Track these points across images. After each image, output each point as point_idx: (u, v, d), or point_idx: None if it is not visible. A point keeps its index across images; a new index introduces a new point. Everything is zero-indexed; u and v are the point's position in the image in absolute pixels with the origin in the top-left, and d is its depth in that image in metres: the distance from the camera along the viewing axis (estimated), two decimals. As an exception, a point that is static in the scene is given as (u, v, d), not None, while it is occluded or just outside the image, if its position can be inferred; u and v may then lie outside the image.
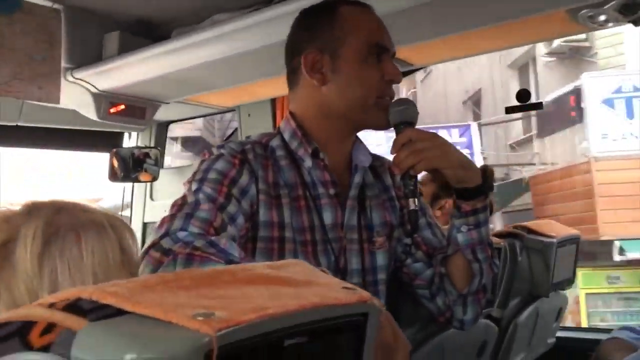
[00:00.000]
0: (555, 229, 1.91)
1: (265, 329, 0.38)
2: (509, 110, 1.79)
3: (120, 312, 0.37)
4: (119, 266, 0.76)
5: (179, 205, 1.02)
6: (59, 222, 0.74)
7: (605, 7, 1.36)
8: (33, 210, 0.76)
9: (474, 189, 1.11)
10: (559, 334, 2.14)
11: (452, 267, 1.17)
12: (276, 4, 1.60)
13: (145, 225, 2.97)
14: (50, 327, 0.36)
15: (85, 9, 2.03)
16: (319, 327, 0.45)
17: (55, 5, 1.97)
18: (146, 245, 0.94)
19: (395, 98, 1.15)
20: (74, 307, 0.37)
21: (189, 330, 0.35)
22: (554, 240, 1.80)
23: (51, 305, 0.38)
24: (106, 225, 0.77)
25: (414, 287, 1.21)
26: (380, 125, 1.14)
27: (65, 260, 0.72)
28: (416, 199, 1.06)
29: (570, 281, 1.98)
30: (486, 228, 1.15)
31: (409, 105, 1.11)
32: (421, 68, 2.06)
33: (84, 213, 0.78)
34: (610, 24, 1.46)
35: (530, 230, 1.84)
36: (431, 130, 1.17)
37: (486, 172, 1.86)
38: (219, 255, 0.85)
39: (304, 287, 0.49)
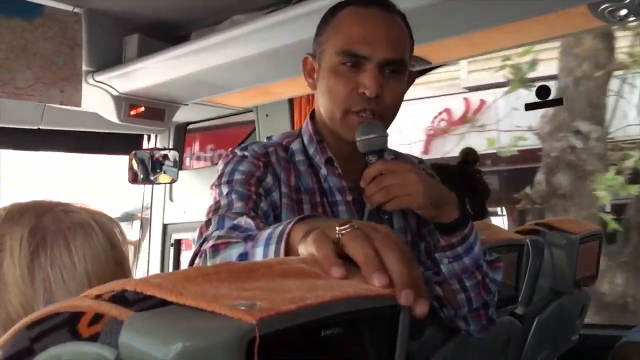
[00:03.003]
0: (577, 225, 1.90)
1: (304, 318, 0.39)
2: (529, 106, 1.78)
3: (163, 303, 0.37)
4: (111, 264, 0.75)
5: (214, 210, 1.01)
6: (44, 227, 0.71)
7: (627, 1, 1.35)
8: (15, 215, 0.72)
9: (451, 224, 1.03)
10: (583, 331, 2.12)
11: (444, 292, 1.14)
12: (294, 5, 1.61)
13: (165, 226, 3.00)
14: (97, 318, 0.37)
15: (105, 13, 2.06)
16: (353, 318, 0.45)
17: (76, 10, 2.00)
18: (191, 256, 0.92)
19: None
20: (120, 298, 0.38)
21: (232, 319, 0.35)
22: (577, 236, 1.79)
23: (97, 297, 0.39)
24: (93, 225, 0.75)
25: None
26: (351, 142, 1.05)
27: (57, 269, 0.69)
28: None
29: (593, 278, 1.96)
30: (470, 256, 1.07)
31: (377, 132, 1.02)
32: (440, 66, 2.06)
33: (67, 214, 0.74)
34: (632, 19, 1.45)
35: (552, 227, 1.83)
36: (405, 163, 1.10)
37: (476, 193, 1.83)
38: (239, 236, 0.84)
39: (338, 280, 0.50)
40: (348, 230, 0.54)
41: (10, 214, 0.72)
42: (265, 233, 0.73)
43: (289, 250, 0.68)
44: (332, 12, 1.09)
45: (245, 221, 0.89)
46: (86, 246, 0.72)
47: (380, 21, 1.04)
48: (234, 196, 1.01)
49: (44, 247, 0.70)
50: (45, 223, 0.72)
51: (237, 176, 1.05)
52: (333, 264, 0.50)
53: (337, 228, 0.54)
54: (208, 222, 0.98)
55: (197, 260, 0.89)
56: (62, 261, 0.70)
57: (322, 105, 1.09)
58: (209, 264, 0.85)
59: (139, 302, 0.37)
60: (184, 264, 3.14)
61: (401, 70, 1.06)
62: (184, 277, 0.41)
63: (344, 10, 1.07)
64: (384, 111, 1.05)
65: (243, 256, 0.77)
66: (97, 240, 0.74)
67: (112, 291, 0.39)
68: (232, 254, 0.80)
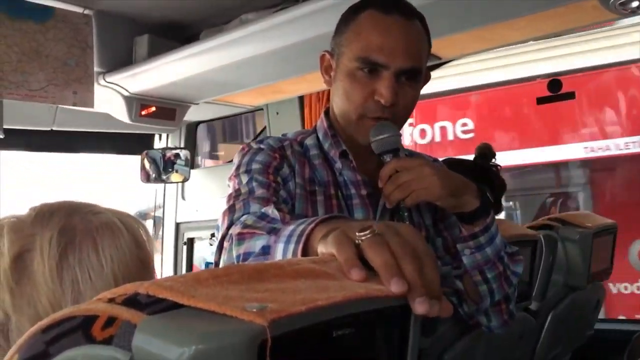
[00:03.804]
0: (591, 219, 1.88)
1: (315, 319, 0.39)
2: (541, 100, 1.77)
3: (175, 306, 0.38)
4: (137, 264, 0.76)
5: (235, 197, 1.03)
6: (73, 228, 0.73)
7: (638, -8, 1.34)
8: (45, 216, 0.74)
9: (471, 212, 1.05)
10: (597, 325, 2.11)
11: (465, 285, 1.15)
12: (302, 3, 1.61)
13: (177, 225, 3.02)
14: (110, 321, 0.37)
15: (115, 14, 2.08)
16: (365, 318, 0.45)
17: (86, 11, 2.02)
18: (218, 238, 0.96)
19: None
20: (132, 301, 0.38)
21: (243, 321, 0.36)
22: (590, 230, 1.78)
23: (110, 300, 0.39)
24: (119, 226, 0.76)
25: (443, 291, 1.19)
26: (365, 145, 1.07)
27: (85, 269, 0.71)
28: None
29: (608, 272, 1.95)
30: (492, 246, 1.08)
31: (389, 132, 1.04)
32: (450, 61, 2.05)
33: (95, 215, 0.76)
34: (643, 10, 1.43)
35: (565, 222, 1.82)
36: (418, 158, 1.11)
37: (493, 187, 1.82)
38: (264, 227, 0.86)
39: (349, 280, 0.50)
40: (369, 235, 0.54)
41: (40, 214, 0.74)
42: (288, 229, 0.75)
43: (308, 251, 0.69)
44: (353, 12, 1.09)
45: (272, 211, 0.91)
46: (113, 247, 0.74)
47: (400, 30, 1.04)
48: (254, 183, 1.03)
49: (73, 247, 0.71)
50: (74, 224, 0.73)
51: (255, 166, 1.07)
52: (354, 265, 0.50)
53: (358, 234, 0.54)
54: (232, 207, 1.00)
55: (225, 244, 0.91)
56: (90, 261, 0.71)
57: (337, 105, 1.11)
58: (234, 251, 0.88)
59: (151, 305, 0.38)
60: (197, 262, 3.16)
61: (417, 78, 1.07)
62: (196, 279, 0.41)
63: (365, 13, 1.06)
64: (397, 116, 1.07)
65: (265, 249, 0.79)
66: (124, 241, 0.75)
67: (124, 294, 0.39)
68: (256, 245, 0.83)
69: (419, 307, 0.48)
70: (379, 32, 1.03)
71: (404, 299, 0.50)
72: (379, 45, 1.02)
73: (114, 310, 0.38)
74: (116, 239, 0.75)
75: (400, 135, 1.06)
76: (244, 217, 0.94)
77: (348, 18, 1.10)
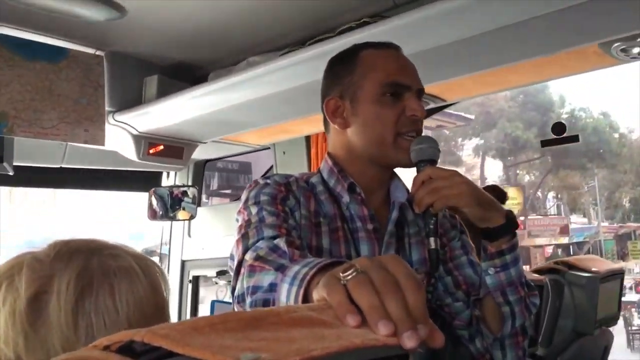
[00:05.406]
0: (597, 264, 1.86)
1: (309, 370, 0.39)
2: (545, 143, 1.78)
3: (170, 354, 0.38)
4: (152, 309, 0.76)
5: (246, 226, 1.05)
6: (91, 271, 0.72)
7: (639, 39, 1.36)
8: (65, 256, 0.73)
9: (497, 229, 1.08)
10: (606, 372, 2.06)
11: (485, 310, 1.15)
12: (308, 46, 1.65)
13: (183, 262, 3.01)
14: (105, 369, 0.37)
15: (126, 54, 2.13)
16: (361, 369, 0.45)
17: (98, 52, 2.07)
18: (235, 264, 1.00)
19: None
20: (127, 349, 0.39)
21: (237, 372, 0.36)
22: (598, 275, 1.76)
23: (105, 348, 0.39)
24: (137, 270, 0.76)
25: (454, 327, 1.19)
26: (402, 163, 1.13)
27: (100, 315, 0.70)
28: (437, 238, 1.04)
29: (615, 318, 1.91)
30: (516, 268, 1.11)
31: (429, 143, 1.09)
32: (455, 103, 2.07)
33: (114, 258, 0.75)
34: (645, 56, 1.45)
35: (572, 266, 1.80)
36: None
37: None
38: (274, 262, 0.89)
39: (346, 328, 0.50)
40: (353, 275, 0.54)
41: (59, 255, 0.73)
42: (294, 270, 0.77)
43: (309, 295, 0.70)
44: (353, 54, 1.17)
45: (283, 244, 0.94)
46: (130, 293, 0.73)
47: (404, 58, 1.16)
48: (264, 213, 1.06)
49: (90, 292, 0.71)
50: (92, 267, 0.73)
51: (263, 197, 1.10)
52: (348, 311, 0.50)
53: (341, 275, 0.54)
54: (245, 235, 1.03)
55: (242, 270, 0.95)
56: (106, 307, 0.71)
57: (366, 136, 1.14)
58: (245, 282, 0.92)
59: (146, 353, 0.38)
60: (203, 301, 3.13)
61: (421, 99, 1.17)
62: (192, 327, 0.41)
63: (365, 52, 1.15)
64: (421, 132, 1.14)
65: (273, 286, 0.84)
66: (141, 286, 0.75)
67: (120, 342, 0.39)
68: (264, 280, 0.88)
69: (408, 342, 0.48)
70: (393, 60, 1.14)
71: (401, 349, 0.49)
72: (399, 69, 1.13)
73: (109, 358, 0.38)
74: (133, 285, 0.74)
75: (439, 149, 1.10)
76: (259, 242, 0.98)
77: (348, 60, 1.17)
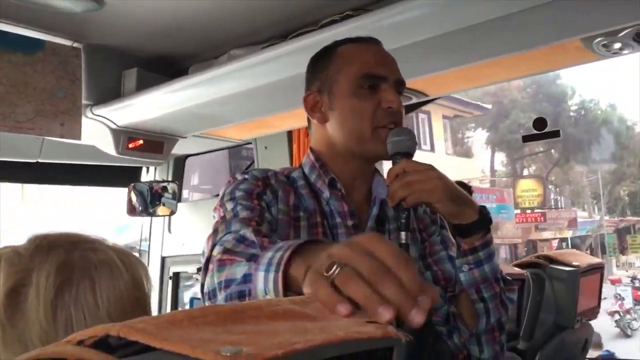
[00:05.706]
0: (579, 258, 1.88)
1: (292, 364, 0.38)
2: (526, 138, 1.79)
3: (147, 349, 0.36)
4: (134, 305, 0.74)
5: (220, 223, 1.04)
6: (72, 265, 0.70)
7: (620, 35, 1.37)
8: (44, 249, 0.71)
9: (470, 225, 1.07)
10: (586, 366, 2.08)
11: (460, 307, 1.14)
12: (290, 40, 1.63)
13: (163, 259, 2.98)
14: (78, 365, 0.36)
15: (105, 47, 2.09)
16: (345, 362, 0.44)
17: (76, 44, 2.03)
18: (203, 260, 0.97)
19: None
20: (103, 344, 0.37)
21: (217, 366, 0.34)
22: (578, 269, 1.77)
23: (79, 343, 0.38)
24: (119, 265, 0.75)
25: (433, 322, 1.19)
26: (380, 156, 1.13)
27: (80, 308, 0.69)
28: (408, 233, 1.03)
29: (595, 311, 1.93)
30: (490, 265, 1.10)
31: (406, 135, 1.08)
32: (438, 98, 2.07)
33: (95, 252, 0.74)
34: (626, 52, 1.46)
35: (553, 260, 1.81)
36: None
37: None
38: (243, 253, 0.88)
39: (329, 321, 0.49)
40: (337, 270, 0.53)
41: (39, 248, 0.72)
42: (267, 256, 0.77)
43: (289, 280, 0.70)
44: (331, 49, 1.17)
45: (249, 234, 0.93)
46: (111, 287, 0.72)
47: (383, 51, 1.16)
48: (239, 208, 1.05)
49: (70, 285, 0.69)
50: (72, 260, 0.71)
51: (239, 193, 1.09)
52: (336, 302, 0.50)
53: (325, 274, 0.53)
54: (215, 231, 1.02)
55: (209, 266, 0.93)
56: (86, 301, 0.69)
57: (344, 130, 1.14)
58: (215, 277, 0.89)
59: (122, 347, 0.36)
60: (183, 297, 3.11)
61: (402, 92, 1.16)
62: (170, 320, 0.40)
63: (344, 47, 1.16)
64: (399, 124, 1.13)
65: (247, 277, 0.81)
66: (122, 282, 0.73)
67: (95, 336, 0.38)
68: (237, 272, 0.85)
69: (416, 319, 0.49)
70: (370, 52, 1.14)
71: (386, 341, 0.49)
72: (376, 61, 1.12)
73: (83, 354, 0.36)
74: (115, 279, 0.73)
75: (415, 141, 1.09)
76: (225, 236, 0.96)
77: (326, 55, 1.17)
